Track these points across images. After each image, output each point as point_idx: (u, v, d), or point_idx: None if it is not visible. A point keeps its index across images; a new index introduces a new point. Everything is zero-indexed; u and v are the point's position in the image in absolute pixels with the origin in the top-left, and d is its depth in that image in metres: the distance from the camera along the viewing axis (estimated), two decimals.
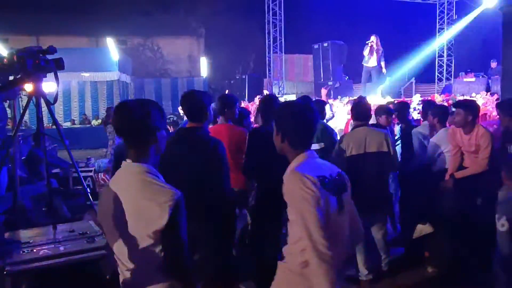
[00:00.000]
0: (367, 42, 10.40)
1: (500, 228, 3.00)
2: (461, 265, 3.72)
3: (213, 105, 3.20)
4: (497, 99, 6.97)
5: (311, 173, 1.76)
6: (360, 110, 3.87)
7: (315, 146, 4.06)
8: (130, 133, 1.66)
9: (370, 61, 10.43)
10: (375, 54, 10.26)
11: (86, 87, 17.04)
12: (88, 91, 17.17)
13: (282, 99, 9.87)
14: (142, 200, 1.59)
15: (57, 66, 3.32)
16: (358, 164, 3.64)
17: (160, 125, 1.69)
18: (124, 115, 1.65)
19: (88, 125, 16.06)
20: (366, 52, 10.40)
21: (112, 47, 13.95)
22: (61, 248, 2.27)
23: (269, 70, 16.42)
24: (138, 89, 17.87)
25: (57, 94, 3.47)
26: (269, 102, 3.50)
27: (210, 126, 3.57)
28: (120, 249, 1.64)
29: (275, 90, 15.13)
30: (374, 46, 10.28)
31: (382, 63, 10.49)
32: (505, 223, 2.96)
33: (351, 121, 4.54)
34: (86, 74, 14.60)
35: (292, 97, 10.24)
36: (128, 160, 1.67)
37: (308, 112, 1.90)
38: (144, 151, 1.66)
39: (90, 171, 6.31)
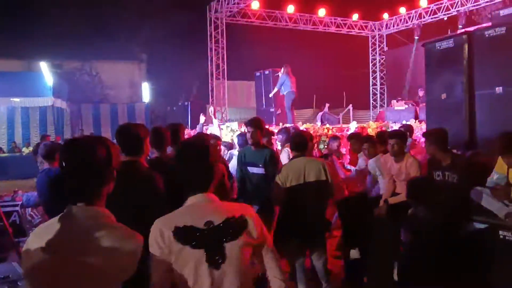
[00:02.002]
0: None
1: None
2: None
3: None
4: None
5: (170, 225, 1.67)
6: (298, 141, 3.96)
7: (259, 170, 4.11)
8: (92, 174, 1.51)
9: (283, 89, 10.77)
10: (288, 79, 10.53)
11: (16, 113, 16.02)
12: (19, 117, 16.14)
13: (224, 126, 9.93)
14: (107, 250, 1.43)
15: None
16: (298, 194, 3.70)
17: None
18: (87, 154, 1.51)
19: (17, 153, 15.00)
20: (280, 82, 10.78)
21: (46, 71, 13.30)
22: None
23: (212, 96, 16.48)
24: (74, 115, 17.08)
25: None
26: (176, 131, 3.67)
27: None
28: None
29: (218, 116, 15.15)
30: (280, 74, 10.70)
31: (275, 89, 10.91)
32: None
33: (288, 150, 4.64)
34: (17, 99, 13.74)
35: (235, 124, 10.29)
36: (80, 204, 1.50)
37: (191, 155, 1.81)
38: (102, 192, 1.54)
39: (17, 205, 5.84)
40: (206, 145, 1.82)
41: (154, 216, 2.84)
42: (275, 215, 3.99)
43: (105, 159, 1.53)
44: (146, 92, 18.42)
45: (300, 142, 3.93)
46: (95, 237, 1.43)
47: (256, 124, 4.25)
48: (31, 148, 14.74)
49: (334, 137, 6.15)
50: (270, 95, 11.41)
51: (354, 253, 4.28)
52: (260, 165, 4.16)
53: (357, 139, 5.37)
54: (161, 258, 1.64)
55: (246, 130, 4.59)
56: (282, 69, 10.62)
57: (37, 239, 1.47)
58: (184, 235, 1.64)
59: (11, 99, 13.43)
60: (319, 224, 3.88)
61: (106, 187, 1.56)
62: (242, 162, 4.37)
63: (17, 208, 5.75)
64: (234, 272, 1.68)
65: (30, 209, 5.63)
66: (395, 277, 3.78)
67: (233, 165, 4.90)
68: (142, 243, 1.50)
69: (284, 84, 10.42)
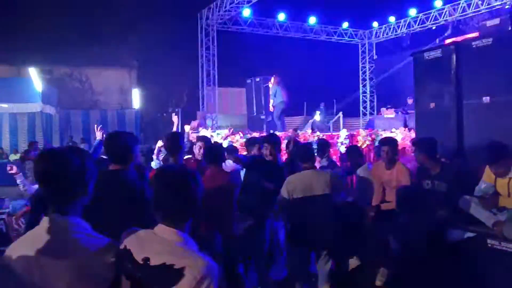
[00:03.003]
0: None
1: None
2: None
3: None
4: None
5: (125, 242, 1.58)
6: (304, 152, 4.00)
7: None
8: (64, 185, 1.50)
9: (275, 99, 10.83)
10: (279, 90, 10.60)
11: (4, 119, 15.80)
12: (7, 123, 15.91)
13: (215, 134, 9.92)
14: (76, 262, 1.42)
15: None
16: (305, 205, 3.74)
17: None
18: (61, 163, 1.50)
19: (5, 160, 14.77)
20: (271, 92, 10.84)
21: (35, 77, 13.19)
22: None
23: (203, 103, 16.46)
24: (63, 121, 16.92)
25: None
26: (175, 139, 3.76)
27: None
28: None
29: (209, 123, 15.13)
30: (270, 85, 10.78)
31: (271, 101, 10.92)
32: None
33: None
34: (5, 105, 13.59)
35: (225, 131, 10.28)
36: (54, 215, 1.49)
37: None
38: (75, 203, 1.54)
39: (3, 213, 5.74)
40: (185, 177, 1.61)
41: (139, 225, 2.84)
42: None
43: (78, 170, 1.52)
44: (136, 98, 18.37)
45: (306, 154, 3.96)
46: (63, 249, 1.43)
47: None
48: (19, 155, 14.55)
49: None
50: (271, 106, 11.14)
51: (353, 262, 4.28)
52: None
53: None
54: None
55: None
56: (272, 79, 10.70)
57: (11, 252, 1.47)
58: (123, 261, 1.52)
59: None
60: (327, 233, 3.89)
61: (80, 198, 1.55)
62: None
63: (4, 216, 5.65)
64: None
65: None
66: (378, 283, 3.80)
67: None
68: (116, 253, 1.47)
69: (276, 94, 10.51)
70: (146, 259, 1.48)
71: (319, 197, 3.74)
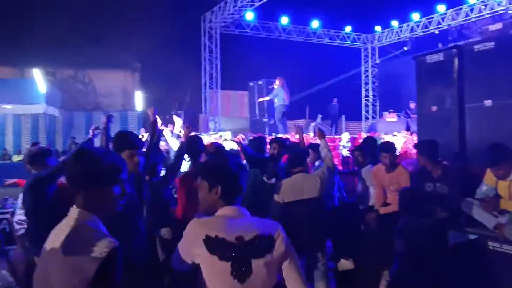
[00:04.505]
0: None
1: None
2: None
3: None
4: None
5: (203, 230, 1.74)
6: (294, 157, 3.99)
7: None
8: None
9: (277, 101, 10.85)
10: (282, 92, 10.64)
11: (7, 120, 15.89)
12: (10, 124, 16.01)
13: (217, 136, 9.95)
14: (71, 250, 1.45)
15: None
16: (296, 208, 3.74)
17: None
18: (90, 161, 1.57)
19: (8, 161, 14.84)
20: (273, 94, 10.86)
21: (39, 79, 13.26)
22: None
23: (205, 106, 16.51)
24: (67, 123, 16.99)
25: None
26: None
27: None
28: None
29: (211, 126, 15.17)
30: (275, 86, 10.81)
31: (267, 98, 11.07)
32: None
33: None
34: (9, 107, 13.67)
35: (228, 134, 10.32)
36: (73, 207, 1.56)
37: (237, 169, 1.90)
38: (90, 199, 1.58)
39: (7, 212, 5.77)
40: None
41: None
42: None
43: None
44: (139, 100, 18.43)
45: (297, 158, 3.97)
46: (69, 238, 1.47)
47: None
48: (22, 156, 14.61)
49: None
50: (259, 100, 11.50)
51: (347, 264, 4.28)
52: None
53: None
54: (186, 245, 1.77)
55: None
56: (277, 81, 10.74)
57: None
58: (214, 245, 1.69)
59: (3, 106, 13.36)
60: (320, 234, 3.91)
61: (94, 195, 1.57)
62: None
63: (7, 216, 5.68)
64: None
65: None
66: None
67: None
68: (110, 252, 1.45)
69: (278, 96, 10.54)
70: (240, 238, 1.70)
71: (310, 200, 3.75)
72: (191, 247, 1.76)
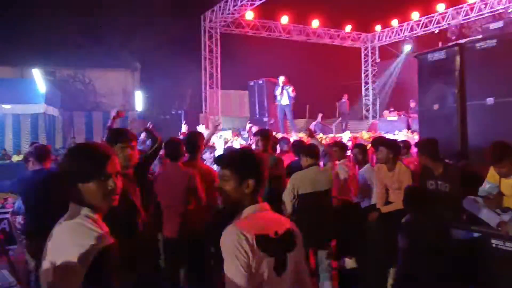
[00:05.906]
0: (279, 82, 10.90)
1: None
2: None
3: None
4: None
5: (250, 231, 1.63)
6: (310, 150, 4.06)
7: None
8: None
9: (283, 99, 10.82)
10: (285, 92, 10.64)
11: (7, 120, 15.86)
12: (10, 124, 15.97)
13: (217, 135, 9.91)
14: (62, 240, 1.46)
15: None
16: (308, 202, 3.81)
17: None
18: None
19: (7, 161, 14.81)
20: (278, 91, 10.83)
21: (38, 78, 13.22)
22: None
23: (205, 106, 16.50)
24: (66, 123, 16.97)
25: None
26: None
27: None
28: None
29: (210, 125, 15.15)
30: (283, 85, 10.76)
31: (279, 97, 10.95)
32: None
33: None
34: (8, 106, 13.61)
35: (228, 133, 10.29)
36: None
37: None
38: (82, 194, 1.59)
39: (7, 212, 5.75)
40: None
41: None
42: None
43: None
44: (139, 100, 18.40)
45: (312, 151, 4.08)
46: (62, 230, 1.49)
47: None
48: (21, 156, 14.58)
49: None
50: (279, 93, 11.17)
51: (350, 263, 4.28)
52: None
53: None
54: (247, 263, 1.58)
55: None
56: (284, 78, 10.69)
57: None
58: (264, 243, 1.63)
59: (2, 105, 13.31)
60: (328, 229, 3.97)
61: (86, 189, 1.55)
62: None
63: (7, 216, 5.67)
64: (290, 282, 1.72)
65: (21, 216, 5.55)
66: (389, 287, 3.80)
67: None
68: (101, 244, 1.44)
69: (283, 95, 10.55)
70: (276, 232, 1.68)
71: (323, 192, 3.87)
72: (251, 260, 1.59)
